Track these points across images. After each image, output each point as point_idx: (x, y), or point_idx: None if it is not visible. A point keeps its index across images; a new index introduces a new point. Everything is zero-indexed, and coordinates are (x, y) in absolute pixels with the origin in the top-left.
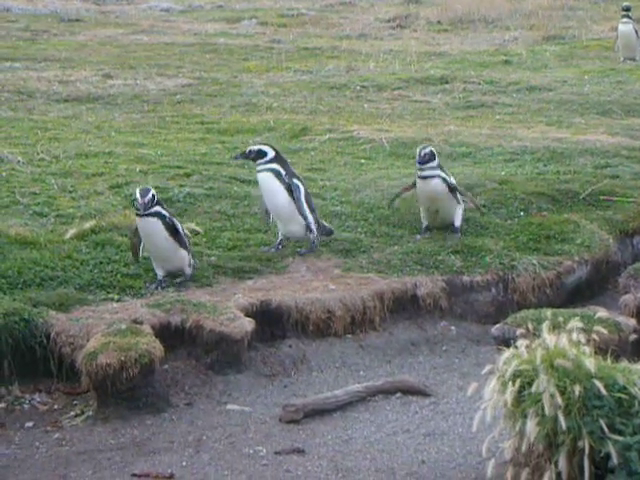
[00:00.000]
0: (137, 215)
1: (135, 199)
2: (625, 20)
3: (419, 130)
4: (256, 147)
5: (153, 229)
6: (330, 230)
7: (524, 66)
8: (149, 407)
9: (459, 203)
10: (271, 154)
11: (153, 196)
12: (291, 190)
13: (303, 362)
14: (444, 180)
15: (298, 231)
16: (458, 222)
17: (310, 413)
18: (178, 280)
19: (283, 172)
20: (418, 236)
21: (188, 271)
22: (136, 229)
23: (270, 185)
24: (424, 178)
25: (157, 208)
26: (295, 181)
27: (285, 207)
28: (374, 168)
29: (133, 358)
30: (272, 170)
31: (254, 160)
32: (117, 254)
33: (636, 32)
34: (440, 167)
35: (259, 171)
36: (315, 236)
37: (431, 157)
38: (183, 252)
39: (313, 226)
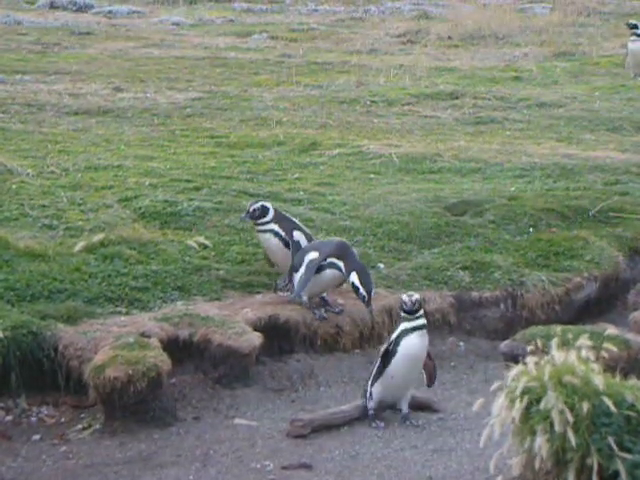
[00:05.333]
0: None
1: None
2: (634, 38)
3: (429, 145)
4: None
5: None
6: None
7: (534, 82)
8: (156, 421)
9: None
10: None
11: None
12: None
13: (311, 377)
14: (276, 234)
15: None
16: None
17: (317, 428)
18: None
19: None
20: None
21: None
22: None
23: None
24: (259, 232)
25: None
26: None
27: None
28: (383, 183)
29: (141, 372)
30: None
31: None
32: (125, 267)
33: None
34: (279, 219)
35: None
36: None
37: (262, 213)
38: None
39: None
